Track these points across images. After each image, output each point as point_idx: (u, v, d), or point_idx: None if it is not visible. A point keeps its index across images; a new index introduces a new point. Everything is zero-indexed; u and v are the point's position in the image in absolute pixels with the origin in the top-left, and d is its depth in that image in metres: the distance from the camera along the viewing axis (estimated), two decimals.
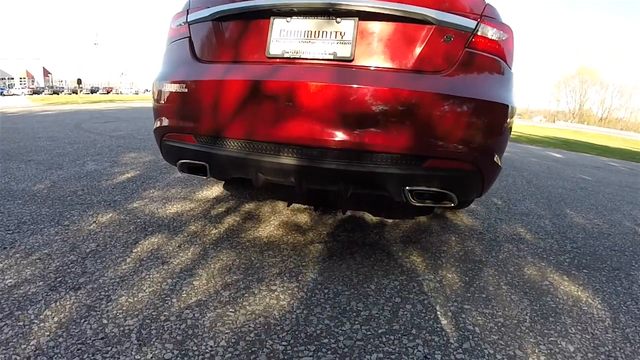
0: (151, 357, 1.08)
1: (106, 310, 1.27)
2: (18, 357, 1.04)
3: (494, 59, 1.46)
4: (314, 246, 1.86)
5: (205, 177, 2.05)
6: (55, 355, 1.06)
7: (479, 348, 1.22)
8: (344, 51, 1.42)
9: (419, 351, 1.18)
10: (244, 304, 1.36)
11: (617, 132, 43.03)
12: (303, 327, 1.25)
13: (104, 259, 1.60)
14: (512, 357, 1.19)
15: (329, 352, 1.14)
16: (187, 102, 1.55)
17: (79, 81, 27.98)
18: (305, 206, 2.45)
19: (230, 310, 1.32)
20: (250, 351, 1.13)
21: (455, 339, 1.25)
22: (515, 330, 1.32)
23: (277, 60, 1.47)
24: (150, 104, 1.87)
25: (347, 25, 1.42)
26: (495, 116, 1.44)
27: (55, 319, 1.21)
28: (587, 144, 15.19)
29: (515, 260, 1.91)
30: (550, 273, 1.80)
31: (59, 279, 1.43)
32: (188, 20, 1.67)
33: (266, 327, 1.24)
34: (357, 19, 1.42)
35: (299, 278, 1.55)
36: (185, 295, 1.38)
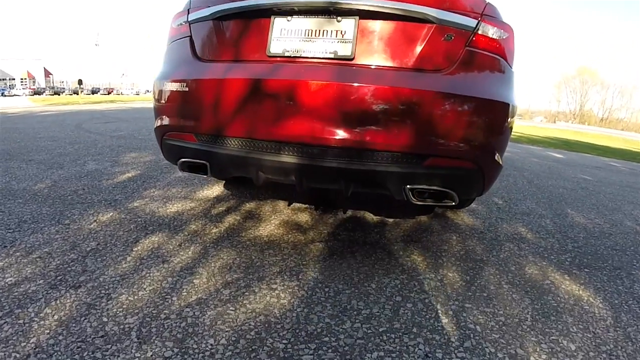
0: (151, 355, 1.07)
1: (106, 309, 1.26)
2: (18, 355, 1.04)
3: (494, 58, 1.46)
4: (314, 245, 1.86)
5: (205, 176, 2.05)
6: (55, 353, 1.06)
7: (480, 347, 1.21)
8: (345, 50, 1.41)
9: (420, 350, 1.18)
10: (244, 302, 1.35)
11: (618, 132, 43.01)
12: (304, 326, 1.25)
13: (105, 257, 1.60)
14: (514, 355, 1.19)
15: (330, 351, 1.14)
16: (187, 101, 1.55)
17: (80, 82, 28.02)
18: (306, 205, 2.45)
19: (231, 308, 1.31)
20: (250, 349, 1.12)
21: (456, 337, 1.25)
22: (516, 329, 1.32)
23: (278, 59, 1.47)
24: (150, 104, 1.87)
25: (348, 24, 1.42)
26: (496, 115, 1.43)
27: (56, 317, 1.21)
28: (588, 144, 15.17)
29: (517, 260, 1.90)
30: (552, 272, 1.80)
31: (59, 277, 1.43)
32: (189, 19, 1.67)
33: (267, 325, 1.24)
34: (357, 17, 1.42)
35: (300, 277, 1.55)
36: (185, 293, 1.38)
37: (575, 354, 1.22)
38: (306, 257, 1.73)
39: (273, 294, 1.42)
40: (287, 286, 1.48)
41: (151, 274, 1.49)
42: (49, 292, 1.34)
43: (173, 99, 1.60)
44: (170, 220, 2.06)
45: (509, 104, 1.45)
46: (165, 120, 1.66)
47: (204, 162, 1.59)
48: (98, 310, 1.25)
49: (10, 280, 1.39)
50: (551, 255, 2.00)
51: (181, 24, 1.71)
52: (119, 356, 1.06)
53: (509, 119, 1.49)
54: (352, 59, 1.41)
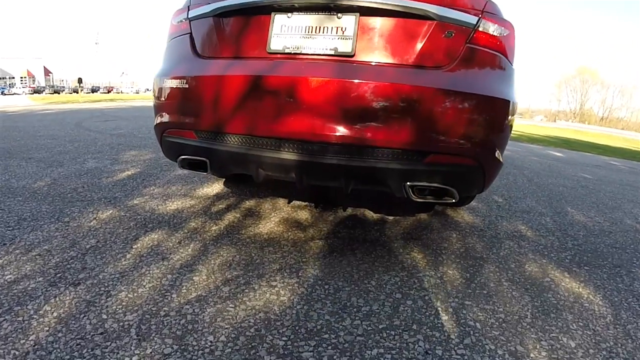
0: (151, 352, 1.07)
1: (106, 306, 1.26)
2: (17, 352, 1.04)
3: (495, 55, 1.45)
4: (314, 243, 1.86)
5: (205, 173, 2.05)
6: (55, 350, 1.05)
7: (480, 344, 1.21)
8: (345, 46, 1.41)
9: (420, 347, 1.18)
10: (244, 299, 1.35)
11: (618, 131, 42.94)
12: (303, 323, 1.25)
13: (104, 255, 1.60)
14: (514, 352, 1.18)
15: (330, 348, 1.14)
16: (187, 98, 1.55)
17: (80, 80, 27.97)
18: (306, 203, 2.45)
19: (230, 305, 1.31)
20: (250, 346, 1.12)
21: (456, 334, 1.25)
22: (516, 326, 1.32)
23: (278, 55, 1.46)
24: (150, 103, 1.87)
25: (348, 21, 1.42)
26: (496, 111, 1.43)
27: (55, 314, 1.21)
28: (588, 143, 15.17)
29: (516, 257, 1.90)
30: (552, 270, 1.80)
31: (58, 275, 1.43)
32: (189, 16, 1.67)
33: (266, 322, 1.24)
34: (358, 14, 1.41)
35: (300, 274, 1.55)
36: (185, 290, 1.38)
37: (575, 351, 1.22)
38: (306, 255, 1.72)
39: (273, 291, 1.42)
40: (286, 283, 1.48)
41: (151, 271, 1.49)
42: (49, 289, 1.33)
43: (173, 96, 1.60)
44: (170, 218, 2.06)
45: (509, 101, 1.45)
46: (165, 117, 1.65)
47: (203, 159, 1.59)
48: (97, 308, 1.25)
49: (10, 278, 1.39)
50: (551, 253, 2.00)
51: (181, 21, 1.70)
52: (118, 353, 1.06)
53: (510, 116, 1.48)
54: (352, 56, 1.40)
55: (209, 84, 1.50)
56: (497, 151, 1.48)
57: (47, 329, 1.14)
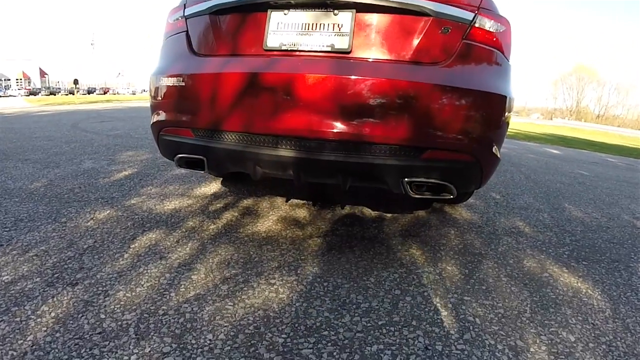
0: (149, 351, 1.07)
1: (104, 305, 1.26)
2: (15, 353, 1.03)
3: (491, 51, 1.45)
4: (312, 240, 1.86)
5: (202, 172, 2.04)
6: (53, 350, 1.05)
7: (479, 339, 1.21)
8: (342, 43, 1.41)
9: (420, 342, 1.17)
10: (242, 297, 1.35)
11: (615, 129, 43.15)
12: (303, 320, 1.24)
13: (102, 254, 1.59)
14: (514, 347, 1.19)
15: (329, 344, 1.14)
16: (184, 96, 1.54)
17: (76, 82, 27.85)
18: (304, 201, 2.44)
19: (229, 303, 1.31)
20: (249, 344, 1.12)
21: (455, 330, 1.25)
22: (515, 321, 1.32)
23: (275, 52, 1.46)
24: (146, 104, 1.86)
25: (345, 17, 1.41)
26: (493, 107, 1.43)
27: (53, 314, 1.20)
28: (585, 140, 15.23)
29: (515, 253, 1.90)
30: (550, 265, 1.80)
31: (56, 275, 1.42)
32: (185, 14, 1.66)
33: (265, 320, 1.23)
34: (354, 10, 1.41)
35: (298, 271, 1.55)
36: (183, 289, 1.37)
37: (575, 345, 1.22)
38: (304, 252, 1.72)
39: (272, 288, 1.42)
40: (285, 281, 1.47)
41: (149, 271, 1.48)
42: (46, 289, 1.33)
43: (169, 94, 1.59)
44: (167, 217, 2.05)
45: (506, 97, 1.45)
46: (162, 116, 1.65)
47: (201, 157, 1.58)
48: (95, 307, 1.24)
49: (7, 279, 1.38)
50: (549, 249, 2.00)
51: (177, 19, 1.70)
52: (117, 352, 1.05)
53: (506, 112, 1.48)
54: (349, 52, 1.40)
55: (206, 82, 1.49)
56: (495, 146, 1.48)
57: (45, 329, 1.13)
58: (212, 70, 1.50)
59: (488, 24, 1.43)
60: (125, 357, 1.04)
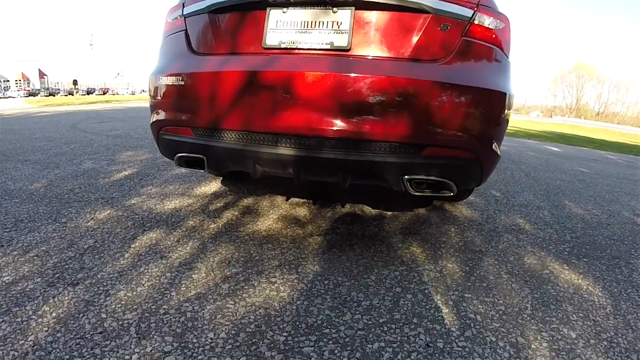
0: (151, 350, 1.07)
1: (105, 305, 1.26)
2: (16, 353, 1.03)
3: (491, 48, 1.45)
4: (313, 239, 1.86)
5: (202, 171, 2.04)
6: (54, 350, 1.05)
7: (481, 336, 1.21)
8: (341, 41, 1.40)
9: (421, 340, 1.17)
10: (243, 296, 1.35)
11: (614, 126, 43.13)
12: (304, 318, 1.24)
13: (102, 254, 1.59)
14: (515, 344, 1.18)
15: (330, 342, 1.14)
16: (184, 95, 1.54)
17: (75, 82, 27.84)
18: (304, 200, 2.44)
19: (230, 302, 1.31)
20: (250, 342, 1.12)
21: (457, 327, 1.25)
22: (516, 318, 1.32)
23: (274, 50, 1.46)
24: (146, 104, 1.86)
25: (344, 15, 1.41)
26: (493, 104, 1.43)
27: (54, 314, 1.20)
28: (585, 137, 15.22)
29: (515, 250, 1.90)
30: (550, 262, 1.80)
31: (56, 275, 1.42)
32: (184, 13, 1.66)
33: (266, 318, 1.23)
34: (353, 8, 1.41)
35: (299, 270, 1.55)
36: (184, 288, 1.37)
37: (576, 341, 1.22)
38: (305, 251, 1.72)
39: (272, 287, 1.42)
40: (286, 279, 1.47)
41: (149, 270, 1.48)
42: (47, 290, 1.33)
43: (169, 94, 1.59)
44: (167, 217, 2.05)
45: (505, 93, 1.45)
46: (162, 115, 1.65)
47: (200, 156, 1.58)
48: (96, 307, 1.24)
49: (8, 279, 1.38)
50: (550, 246, 2.00)
51: (176, 18, 1.69)
52: (118, 352, 1.05)
53: (506, 108, 1.48)
54: (348, 50, 1.40)
55: (205, 81, 1.49)
56: (494, 143, 1.48)
57: (46, 329, 1.13)
58: (211, 69, 1.50)
59: (487, 21, 1.43)
60: (127, 357, 1.04)
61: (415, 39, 1.38)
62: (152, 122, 1.72)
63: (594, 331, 1.29)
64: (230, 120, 1.45)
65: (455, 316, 1.31)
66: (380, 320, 1.26)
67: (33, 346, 1.06)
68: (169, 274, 1.46)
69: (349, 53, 1.40)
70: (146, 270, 1.48)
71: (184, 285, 1.39)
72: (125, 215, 2.04)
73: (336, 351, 1.10)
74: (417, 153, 1.37)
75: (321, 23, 1.43)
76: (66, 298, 1.28)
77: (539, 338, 1.22)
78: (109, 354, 1.05)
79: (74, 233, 1.79)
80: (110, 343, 1.09)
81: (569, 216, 2.58)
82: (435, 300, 1.40)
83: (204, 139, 1.54)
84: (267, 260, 1.62)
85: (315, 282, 1.46)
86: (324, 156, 1.38)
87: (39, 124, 6.51)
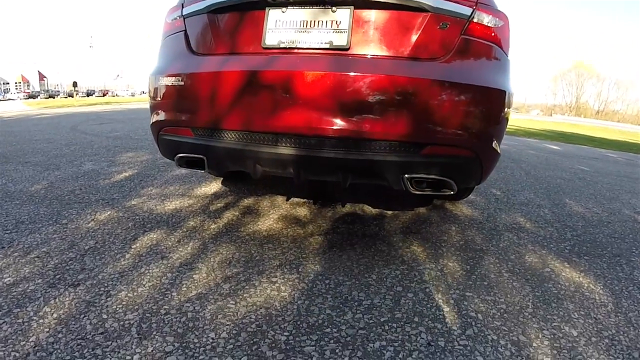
0: (152, 350, 1.07)
1: (106, 306, 1.26)
2: (18, 354, 1.03)
3: (490, 46, 1.45)
4: (314, 238, 1.86)
5: (203, 171, 2.04)
6: (55, 351, 1.05)
7: (482, 334, 1.21)
8: (340, 40, 1.40)
9: (422, 338, 1.17)
10: (244, 295, 1.35)
11: (614, 124, 43.13)
12: (305, 317, 1.24)
13: (103, 255, 1.59)
14: (516, 342, 1.18)
15: (332, 341, 1.14)
16: (183, 95, 1.54)
17: (75, 84, 27.81)
18: (304, 200, 2.44)
19: (231, 302, 1.31)
20: (252, 342, 1.12)
21: (458, 325, 1.25)
22: (518, 317, 1.32)
23: (273, 50, 1.46)
24: (146, 105, 1.86)
25: (343, 14, 1.41)
26: (492, 102, 1.43)
27: (55, 315, 1.20)
28: (585, 136, 15.21)
29: (516, 249, 1.90)
30: (551, 260, 1.80)
31: (57, 276, 1.42)
32: (183, 13, 1.66)
33: (268, 318, 1.23)
34: (352, 7, 1.40)
35: (300, 269, 1.55)
36: (185, 288, 1.37)
37: (577, 339, 1.22)
38: (306, 250, 1.72)
39: (273, 287, 1.42)
40: (287, 279, 1.47)
41: (150, 271, 1.48)
42: (48, 291, 1.33)
43: (169, 94, 1.59)
44: (168, 217, 2.05)
45: (505, 91, 1.45)
46: (161, 116, 1.65)
47: (201, 156, 1.58)
48: (97, 308, 1.24)
49: (9, 280, 1.38)
50: (550, 244, 2.00)
51: (175, 19, 1.69)
52: (119, 352, 1.05)
53: (506, 107, 1.48)
54: (347, 49, 1.40)
55: (205, 81, 1.49)
56: (494, 141, 1.47)
57: (47, 330, 1.13)
58: (210, 69, 1.50)
59: (486, 19, 1.43)
60: (128, 357, 1.04)
61: (414, 37, 1.38)
62: (152, 123, 1.72)
63: (595, 329, 1.29)
64: (230, 120, 1.45)
65: (456, 315, 1.30)
66: (382, 319, 1.25)
67: (34, 347, 1.06)
68: (170, 274, 1.46)
69: (349, 52, 1.40)
70: (147, 271, 1.48)
71: (185, 285, 1.40)
72: (126, 216, 2.04)
73: (337, 350, 1.10)
74: (417, 152, 1.37)
75: (320, 22, 1.43)
76: (67, 299, 1.28)
77: (540, 336, 1.22)
78: (110, 354, 1.05)
79: (74, 234, 1.79)
80: (111, 343, 1.09)
81: (569, 214, 2.58)
82: (437, 299, 1.40)
83: (204, 139, 1.54)
84: (268, 260, 1.62)
85: (316, 282, 1.46)
86: (324, 155, 1.38)
87: (39, 126, 6.51)
